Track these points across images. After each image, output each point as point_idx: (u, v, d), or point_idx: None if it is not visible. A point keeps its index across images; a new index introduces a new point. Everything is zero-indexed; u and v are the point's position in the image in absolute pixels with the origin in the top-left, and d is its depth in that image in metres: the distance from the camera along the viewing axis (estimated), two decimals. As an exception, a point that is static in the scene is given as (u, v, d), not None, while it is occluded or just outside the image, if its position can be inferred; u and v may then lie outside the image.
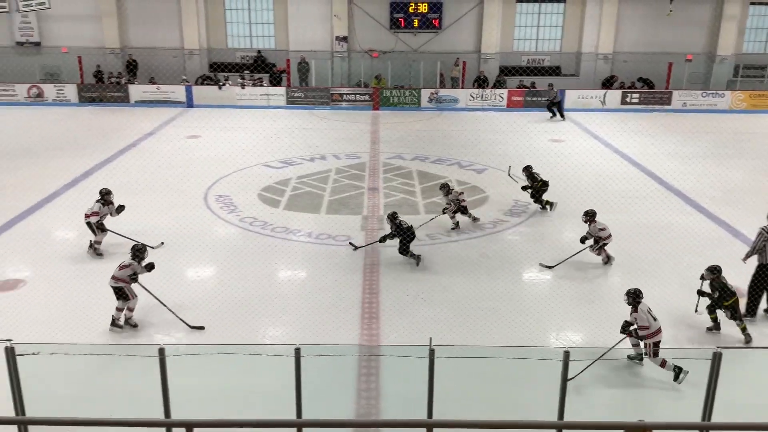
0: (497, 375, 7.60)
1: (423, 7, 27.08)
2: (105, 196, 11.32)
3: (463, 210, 12.51)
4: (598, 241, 10.84)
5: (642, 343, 7.82)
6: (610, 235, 10.86)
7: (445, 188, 12.62)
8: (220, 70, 27.14)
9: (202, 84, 26.05)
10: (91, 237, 11.23)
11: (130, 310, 8.90)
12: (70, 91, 25.38)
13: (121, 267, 8.87)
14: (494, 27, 27.45)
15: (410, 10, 27.11)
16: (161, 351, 5.47)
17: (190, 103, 25.18)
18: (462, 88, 26.22)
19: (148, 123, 21.91)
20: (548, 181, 13.59)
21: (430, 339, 5.86)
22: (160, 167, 16.47)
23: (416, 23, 27.26)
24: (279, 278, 10.70)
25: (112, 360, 6.04)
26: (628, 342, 7.93)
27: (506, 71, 27.57)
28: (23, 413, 5.51)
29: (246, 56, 27.81)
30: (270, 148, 18.12)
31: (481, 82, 26.31)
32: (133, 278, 8.86)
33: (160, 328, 8.78)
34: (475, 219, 12.75)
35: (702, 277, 8.76)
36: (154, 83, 25.68)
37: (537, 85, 26.08)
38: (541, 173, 13.67)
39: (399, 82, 26.70)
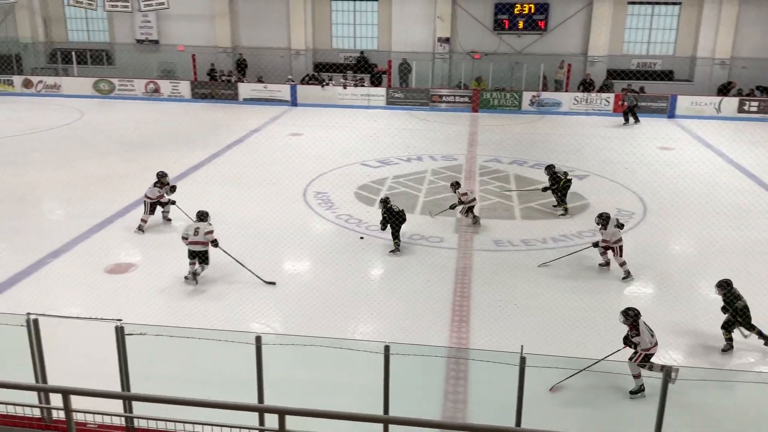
0: (589, 388, 7.36)
1: (529, 9, 26.59)
2: (161, 179, 12.45)
3: (470, 209, 12.80)
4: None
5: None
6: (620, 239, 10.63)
7: (454, 186, 12.94)
8: (323, 70, 27.83)
9: (306, 83, 26.77)
10: (144, 216, 12.33)
11: (197, 274, 9.96)
12: (184, 87, 26.76)
13: (207, 232, 10.00)
14: (603, 29, 26.58)
15: (515, 12, 26.69)
16: (258, 339, 5.66)
17: (294, 102, 25.94)
18: (566, 91, 25.55)
19: (254, 120, 22.77)
20: (572, 178, 13.66)
21: (521, 346, 5.74)
22: (263, 162, 17.07)
23: (521, 25, 26.81)
24: (371, 276, 10.82)
25: (212, 344, 6.32)
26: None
27: (614, 75, 26.60)
28: (128, 389, 5.85)
29: (349, 57, 28.34)
30: (368, 147, 18.37)
31: (586, 86, 25.52)
32: (215, 243, 9.98)
33: (257, 317, 9.10)
34: (475, 219, 12.80)
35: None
36: (261, 82, 26.64)
37: (646, 89, 25.04)
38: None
39: (500, 84, 26.34)
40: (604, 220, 10.63)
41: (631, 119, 22.96)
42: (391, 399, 5.85)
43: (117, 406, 5.75)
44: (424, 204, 14.06)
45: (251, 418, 5.11)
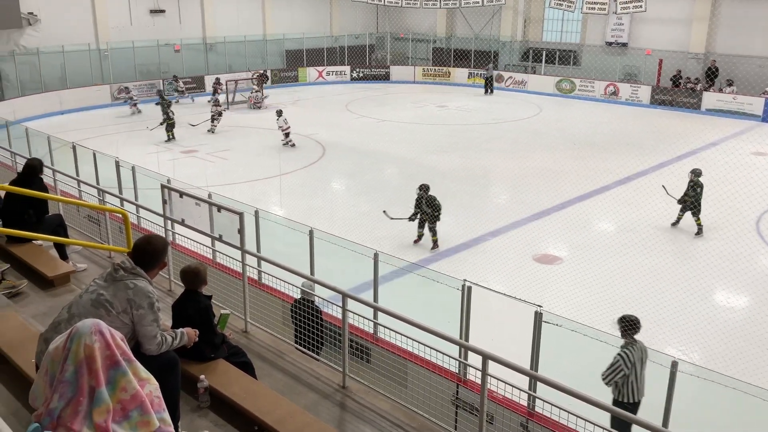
0: None
1: None
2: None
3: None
4: None
5: None
6: None
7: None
8: (813, 84, 23.87)
9: (786, 98, 23.39)
10: None
11: None
12: (644, 92, 26.14)
13: None
14: None
15: None
16: (674, 365, 5.33)
17: (765, 117, 22.96)
18: None
19: (714, 132, 20.97)
20: None
21: None
22: (714, 180, 15.57)
23: None
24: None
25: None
26: None
27: None
28: (536, 370, 6.13)
29: None
30: None
31: None
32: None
33: (675, 341, 8.53)
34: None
35: None
36: (725, 90, 24.30)
37: None
38: None
39: None
40: None
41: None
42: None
43: (522, 384, 6.10)
44: None
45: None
